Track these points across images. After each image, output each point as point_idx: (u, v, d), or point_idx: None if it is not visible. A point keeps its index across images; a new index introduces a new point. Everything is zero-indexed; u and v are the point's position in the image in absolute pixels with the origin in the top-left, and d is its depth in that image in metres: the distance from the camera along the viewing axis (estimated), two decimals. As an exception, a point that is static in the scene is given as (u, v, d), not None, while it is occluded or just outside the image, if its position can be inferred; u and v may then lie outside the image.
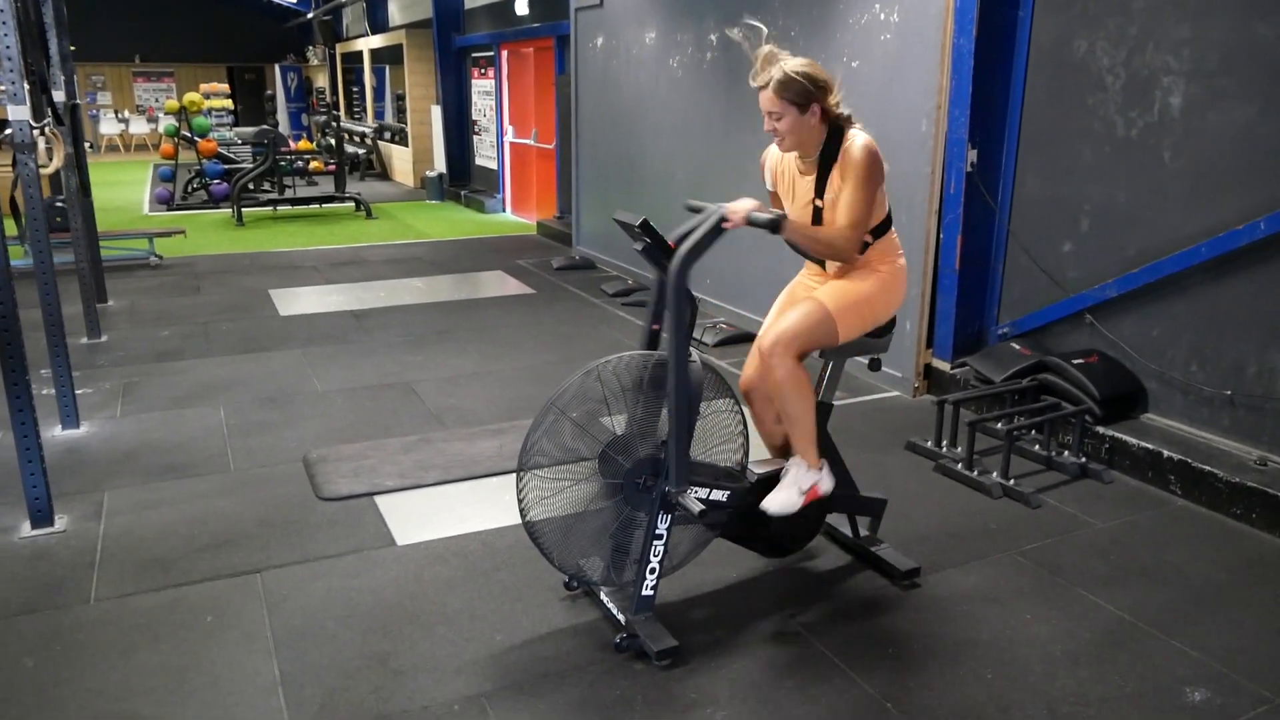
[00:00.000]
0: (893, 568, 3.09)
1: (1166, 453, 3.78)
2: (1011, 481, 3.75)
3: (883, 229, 2.79)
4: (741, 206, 2.57)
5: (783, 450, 3.06)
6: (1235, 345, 3.79)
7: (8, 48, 3.79)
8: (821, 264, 2.90)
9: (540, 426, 2.57)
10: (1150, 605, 2.96)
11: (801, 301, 2.82)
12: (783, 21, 5.65)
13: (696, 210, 2.73)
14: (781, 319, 2.79)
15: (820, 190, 2.72)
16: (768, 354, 2.74)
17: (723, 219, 2.57)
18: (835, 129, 2.69)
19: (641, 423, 2.67)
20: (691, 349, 2.70)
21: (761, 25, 2.72)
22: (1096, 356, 4.24)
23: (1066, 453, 4.03)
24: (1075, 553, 3.29)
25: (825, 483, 2.88)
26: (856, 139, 2.67)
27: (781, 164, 2.88)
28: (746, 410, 2.97)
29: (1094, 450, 4.05)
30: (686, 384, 2.57)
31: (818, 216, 2.75)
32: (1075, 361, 4.19)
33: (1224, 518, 3.56)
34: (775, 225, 2.55)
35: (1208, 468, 3.63)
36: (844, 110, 2.72)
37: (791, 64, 2.64)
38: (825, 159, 2.70)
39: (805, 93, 2.63)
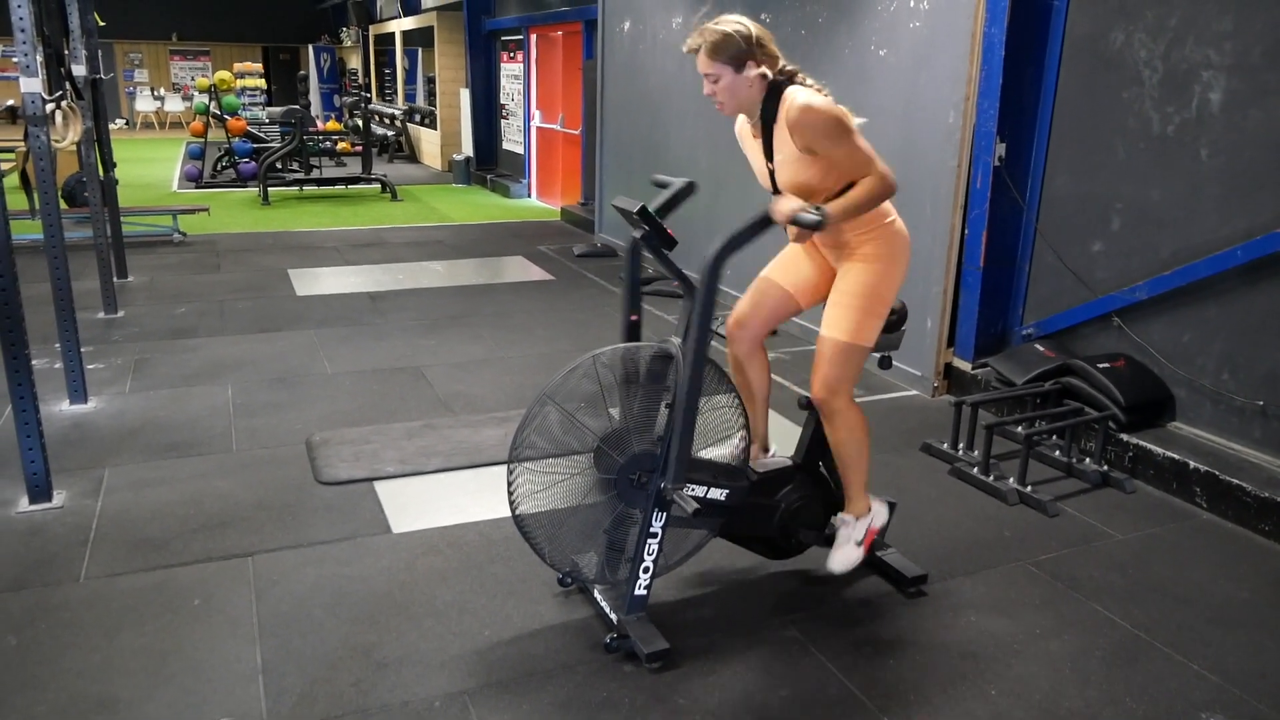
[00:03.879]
0: (899, 574, 2.98)
1: (1193, 463, 3.62)
2: (1029, 488, 3.62)
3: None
4: (788, 206, 2.44)
5: (752, 399, 2.94)
6: (1270, 354, 3.62)
7: (21, 19, 3.77)
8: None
9: (532, 418, 2.49)
10: (1168, 624, 2.83)
11: (823, 348, 2.70)
12: (810, 7, 5.51)
13: (662, 185, 2.70)
14: (818, 370, 2.70)
15: (769, 152, 2.60)
16: (826, 406, 2.70)
17: (768, 216, 2.48)
18: (774, 87, 2.55)
19: (637, 417, 2.58)
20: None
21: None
22: (1123, 361, 4.08)
23: (1088, 460, 3.88)
24: (1092, 565, 3.16)
25: (879, 518, 2.90)
26: (796, 97, 2.49)
27: (742, 129, 2.78)
28: (745, 406, 2.87)
29: (1117, 458, 3.90)
30: (700, 380, 2.49)
31: (774, 180, 2.65)
32: (1101, 365, 4.04)
33: (1251, 534, 3.41)
34: (819, 224, 2.41)
35: (1236, 481, 3.48)
36: (785, 65, 2.57)
37: (722, 22, 2.52)
38: (766, 119, 2.57)
39: (739, 51, 2.50)
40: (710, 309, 2.50)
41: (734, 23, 2.53)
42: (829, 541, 3.24)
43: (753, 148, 2.72)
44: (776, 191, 2.66)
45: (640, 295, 2.69)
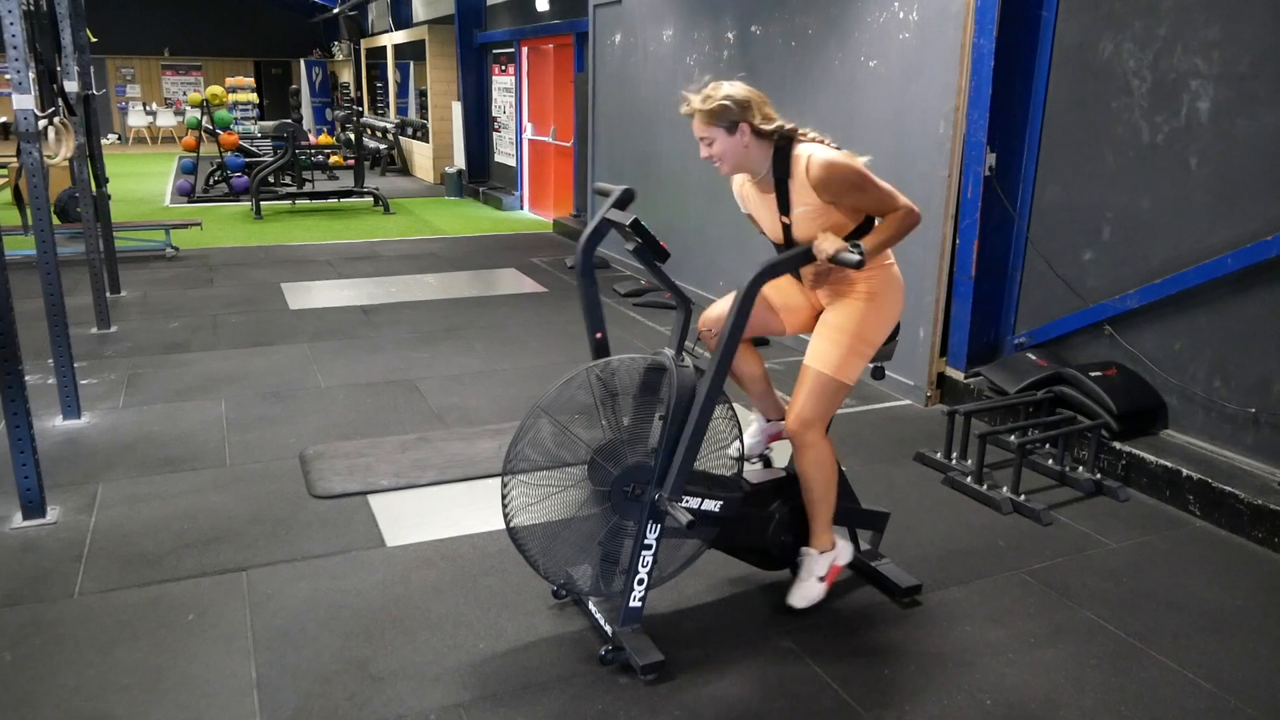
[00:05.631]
0: (893, 584, 2.98)
1: (1186, 471, 3.64)
2: (1022, 497, 3.63)
3: (865, 230, 2.66)
4: (831, 245, 2.49)
5: (761, 398, 3.00)
6: (1261, 361, 3.64)
7: (14, 36, 3.77)
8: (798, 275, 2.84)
9: (525, 431, 2.49)
10: (1162, 631, 2.83)
11: (805, 378, 2.70)
12: (800, 19, 5.54)
13: (604, 194, 2.71)
14: (795, 400, 2.71)
15: (784, 207, 2.62)
16: (797, 438, 2.71)
17: (809, 251, 2.53)
18: (782, 144, 2.58)
19: (631, 429, 2.59)
20: (684, 352, 2.61)
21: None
22: (1115, 369, 4.10)
23: (1081, 468, 3.90)
24: (1086, 574, 3.17)
25: (843, 555, 2.90)
26: (813, 156, 2.54)
27: (743, 189, 2.80)
28: (741, 414, 2.88)
29: (1110, 467, 3.92)
30: (718, 396, 2.52)
31: (788, 234, 2.66)
32: (1093, 374, 4.06)
33: (1244, 541, 3.42)
34: (859, 263, 2.46)
35: (1228, 488, 3.50)
36: (782, 124, 2.58)
37: (713, 89, 2.56)
38: (779, 175, 2.60)
39: (729, 114, 2.53)
40: (741, 327, 2.53)
41: (725, 89, 2.55)
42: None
43: (762, 203, 2.71)
44: (789, 242, 2.67)
45: (601, 311, 2.72)
